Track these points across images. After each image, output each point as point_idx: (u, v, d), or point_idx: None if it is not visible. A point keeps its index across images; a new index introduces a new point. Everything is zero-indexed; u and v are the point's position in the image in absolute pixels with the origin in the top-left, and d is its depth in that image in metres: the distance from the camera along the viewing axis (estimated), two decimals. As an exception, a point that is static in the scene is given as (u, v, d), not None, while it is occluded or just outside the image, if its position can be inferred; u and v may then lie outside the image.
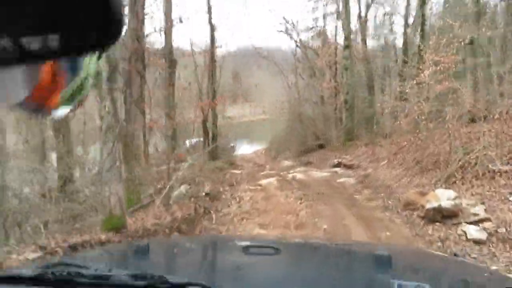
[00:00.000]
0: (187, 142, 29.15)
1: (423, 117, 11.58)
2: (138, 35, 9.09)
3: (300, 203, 9.05)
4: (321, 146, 20.77)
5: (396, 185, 10.25)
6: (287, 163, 20.77)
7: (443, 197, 7.07)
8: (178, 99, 20.19)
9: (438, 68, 10.86)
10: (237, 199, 9.96)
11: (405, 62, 16.38)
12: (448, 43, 11.14)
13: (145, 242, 1.97)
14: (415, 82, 12.03)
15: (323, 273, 1.54)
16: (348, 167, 14.10)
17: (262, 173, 15.68)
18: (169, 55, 13.38)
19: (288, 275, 1.49)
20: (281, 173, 14.88)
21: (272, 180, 12.62)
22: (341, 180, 11.91)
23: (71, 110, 0.89)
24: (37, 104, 0.77)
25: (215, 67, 19.11)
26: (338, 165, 14.50)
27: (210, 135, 18.72)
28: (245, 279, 1.44)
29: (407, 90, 12.55)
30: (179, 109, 19.67)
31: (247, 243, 1.91)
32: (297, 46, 26.55)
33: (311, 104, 23.40)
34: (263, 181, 12.60)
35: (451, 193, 7.30)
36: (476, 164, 8.82)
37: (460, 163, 9.29)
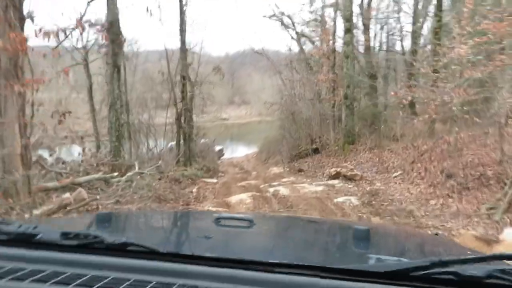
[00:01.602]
0: (170, 144, 25.72)
1: (455, 110, 7.94)
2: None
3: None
4: (316, 151, 17.09)
5: (424, 213, 6.57)
6: (275, 169, 17.09)
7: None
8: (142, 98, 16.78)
9: (484, 39, 7.19)
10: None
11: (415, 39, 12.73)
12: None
13: (108, 212, 1.78)
14: (445, 60, 8.37)
15: (298, 246, 1.44)
16: (349, 178, 10.43)
17: (240, 184, 12.03)
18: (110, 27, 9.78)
19: (261, 247, 1.37)
20: (262, 185, 11.20)
21: (246, 196, 8.96)
22: (340, 199, 8.23)
23: None
24: None
25: (186, 67, 15.41)
26: (336, 175, 10.81)
27: (182, 137, 14.98)
28: (213, 248, 1.28)
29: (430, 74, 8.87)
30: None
31: (220, 215, 1.63)
32: (292, 38, 22.95)
33: (306, 102, 19.71)
34: (234, 198, 8.96)
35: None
36: None
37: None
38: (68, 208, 5.35)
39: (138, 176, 10.05)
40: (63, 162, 9.16)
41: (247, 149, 33.98)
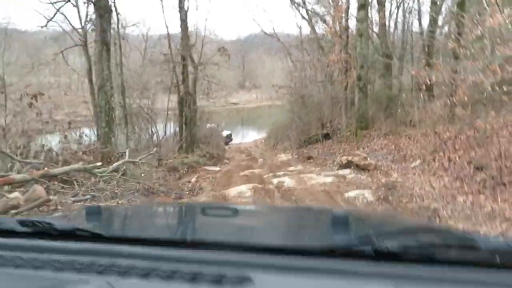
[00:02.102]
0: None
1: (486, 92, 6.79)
2: None
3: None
4: (327, 136, 15.98)
5: (451, 212, 5.48)
6: (283, 156, 16.05)
7: None
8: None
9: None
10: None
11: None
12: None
13: (96, 206, 1.93)
14: (473, 35, 7.16)
15: (280, 230, 1.51)
16: (362, 168, 9.34)
17: (243, 173, 11.05)
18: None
19: (242, 231, 1.38)
20: (266, 175, 10.19)
21: (246, 189, 7.98)
22: (351, 193, 7.18)
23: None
24: None
25: (189, 49, 14.27)
26: (348, 164, 9.73)
27: (183, 121, 13.98)
28: (193, 233, 1.35)
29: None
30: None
31: (207, 206, 1.88)
32: (303, 18, 21.61)
33: (317, 85, 18.51)
34: (233, 190, 8.00)
35: None
36: None
37: None
38: (15, 211, 4.41)
39: (132, 165, 9.16)
40: (50, 151, 8.25)
41: (257, 134, 32.92)
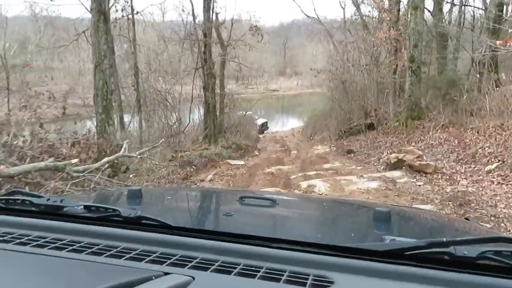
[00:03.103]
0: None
1: None
2: None
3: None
4: (371, 127, 13.73)
5: None
6: (319, 149, 13.99)
7: None
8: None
9: None
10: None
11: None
12: None
13: (138, 187, 1.79)
14: None
15: (319, 224, 1.50)
16: (417, 170, 7.17)
17: (269, 170, 9.18)
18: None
19: (282, 225, 1.39)
20: (295, 176, 8.23)
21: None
22: (406, 210, 5.11)
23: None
24: None
25: (213, 26, 12.42)
26: (398, 164, 7.58)
27: (206, 109, 12.20)
28: (234, 225, 1.31)
29: None
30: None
31: (244, 194, 1.68)
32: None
33: (361, 69, 16.12)
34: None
35: None
36: None
37: None
38: None
39: (137, 160, 7.54)
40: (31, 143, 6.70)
41: (296, 122, 30.83)
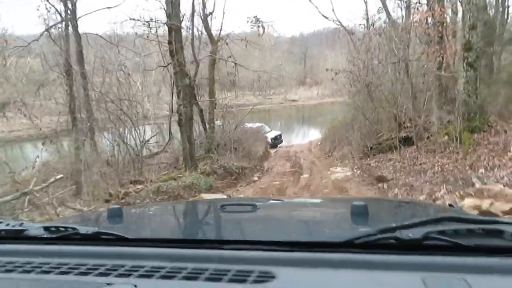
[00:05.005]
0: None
1: None
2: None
3: None
4: (407, 142, 9.96)
5: None
6: (338, 171, 10.25)
7: None
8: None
9: None
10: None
11: None
12: None
13: (118, 207, 1.62)
14: None
15: (300, 224, 1.45)
16: None
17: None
18: None
19: (263, 227, 1.36)
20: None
21: None
22: None
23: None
24: None
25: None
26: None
27: (178, 122, 8.70)
28: (217, 232, 1.33)
29: None
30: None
31: (225, 202, 1.76)
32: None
33: (390, 68, 12.32)
34: None
35: None
36: None
37: None
38: None
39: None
40: None
41: (315, 133, 27.10)
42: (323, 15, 20.34)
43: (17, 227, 1.11)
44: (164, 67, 8.94)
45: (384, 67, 12.16)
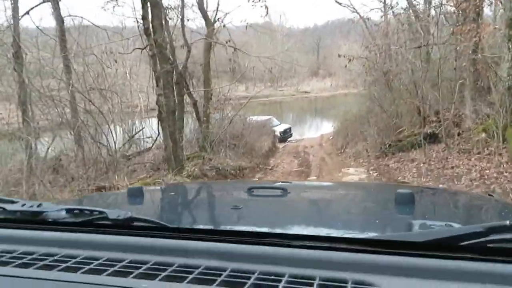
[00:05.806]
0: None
1: None
2: None
3: None
4: (433, 137, 8.40)
5: None
6: (352, 173, 8.79)
7: None
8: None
9: None
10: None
11: None
12: None
13: (139, 187, 1.53)
14: None
15: (335, 212, 1.31)
16: None
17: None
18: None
19: (294, 215, 1.21)
20: None
21: None
22: None
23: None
24: None
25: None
26: None
27: (161, 116, 7.29)
28: (243, 218, 1.18)
29: None
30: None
31: (253, 185, 1.50)
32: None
33: (412, 54, 10.67)
34: None
35: None
36: None
37: None
38: None
39: None
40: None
41: (327, 126, 25.53)
42: (336, 1, 18.64)
43: (35, 208, 0.94)
44: (142, 49, 7.59)
45: (405, 53, 10.53)
